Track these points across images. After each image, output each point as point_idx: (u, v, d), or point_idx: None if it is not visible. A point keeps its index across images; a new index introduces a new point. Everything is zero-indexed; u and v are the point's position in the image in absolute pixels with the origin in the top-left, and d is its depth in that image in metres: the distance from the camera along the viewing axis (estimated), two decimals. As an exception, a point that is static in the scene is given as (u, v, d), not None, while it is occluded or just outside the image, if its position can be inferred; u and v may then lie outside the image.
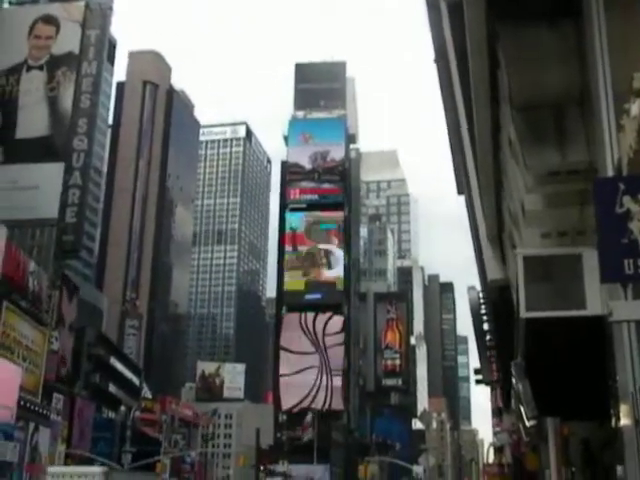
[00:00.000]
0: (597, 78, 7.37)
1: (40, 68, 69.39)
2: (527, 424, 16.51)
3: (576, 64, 8.47)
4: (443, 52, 11.54)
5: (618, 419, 8.19)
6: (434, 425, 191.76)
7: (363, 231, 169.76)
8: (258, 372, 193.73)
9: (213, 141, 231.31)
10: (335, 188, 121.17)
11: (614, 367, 7.72)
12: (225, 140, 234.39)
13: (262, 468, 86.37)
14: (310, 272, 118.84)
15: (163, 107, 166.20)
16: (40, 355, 51.42)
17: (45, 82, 69.11)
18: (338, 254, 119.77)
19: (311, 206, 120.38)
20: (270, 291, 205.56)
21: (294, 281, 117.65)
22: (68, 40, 69.85)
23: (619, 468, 8.76)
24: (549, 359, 9.90)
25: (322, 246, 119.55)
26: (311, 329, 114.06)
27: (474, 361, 58.27)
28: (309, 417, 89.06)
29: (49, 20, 70.26)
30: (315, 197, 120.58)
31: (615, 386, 7.92)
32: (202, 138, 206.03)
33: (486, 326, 22.71)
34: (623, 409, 7.44)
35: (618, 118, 6.43)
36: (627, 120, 5.90)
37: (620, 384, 7.48)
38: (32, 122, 67.78)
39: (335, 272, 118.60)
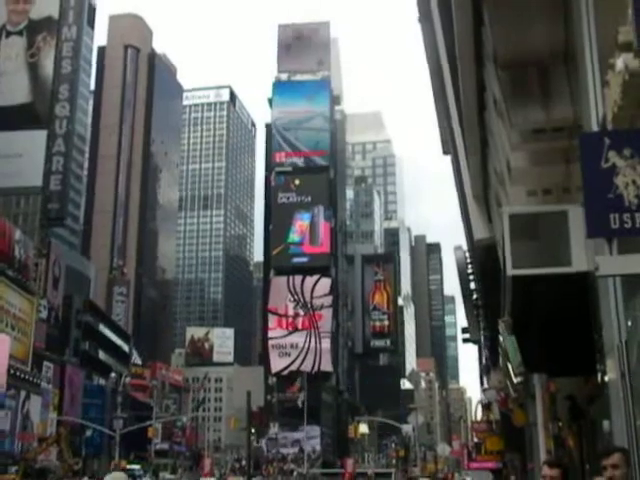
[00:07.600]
0: (582, 33, 7.32)
1: (19, 33, 68.51)
2: (514, 381, 16.67)
3: (561, 20, 8.42)
4: (427, 11, 11.43)
5: (604, 374, 8.29)
6: (423, 384, 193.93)
7: (349, 193, 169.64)
8: (247, 336, 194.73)
9: (197, 105, 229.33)
10: (320, 151, 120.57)
11: (599, 322, 7.79)
12: (209, 104, 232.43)
13: (253, 430, 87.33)
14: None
15: (145, 71, 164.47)
16: (29, 324, 51.48)
17: (25, 48, 68.29)
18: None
19: (297, 169, 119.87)
20: (257, 255, 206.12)
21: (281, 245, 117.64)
22: (47, 4, 68.84)
23: (605, 422, 8.88)
24: (535, 316, 9.98)
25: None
26: (299, 292, 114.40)
27: (461, 320, 58.80)
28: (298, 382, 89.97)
29: (27, -16, 69.07)
30: (301, 160, 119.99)
31: (601, 341, 8.00)
32: (185, 102, 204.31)
33: (473, 285, 22.78)
34: (608, 363, 7.53)
35: (603, 73, 6.40)
36: (612, 75, 5.88)
37: (605, 338, 7.56)
38: (13, 89, 67.10)
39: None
